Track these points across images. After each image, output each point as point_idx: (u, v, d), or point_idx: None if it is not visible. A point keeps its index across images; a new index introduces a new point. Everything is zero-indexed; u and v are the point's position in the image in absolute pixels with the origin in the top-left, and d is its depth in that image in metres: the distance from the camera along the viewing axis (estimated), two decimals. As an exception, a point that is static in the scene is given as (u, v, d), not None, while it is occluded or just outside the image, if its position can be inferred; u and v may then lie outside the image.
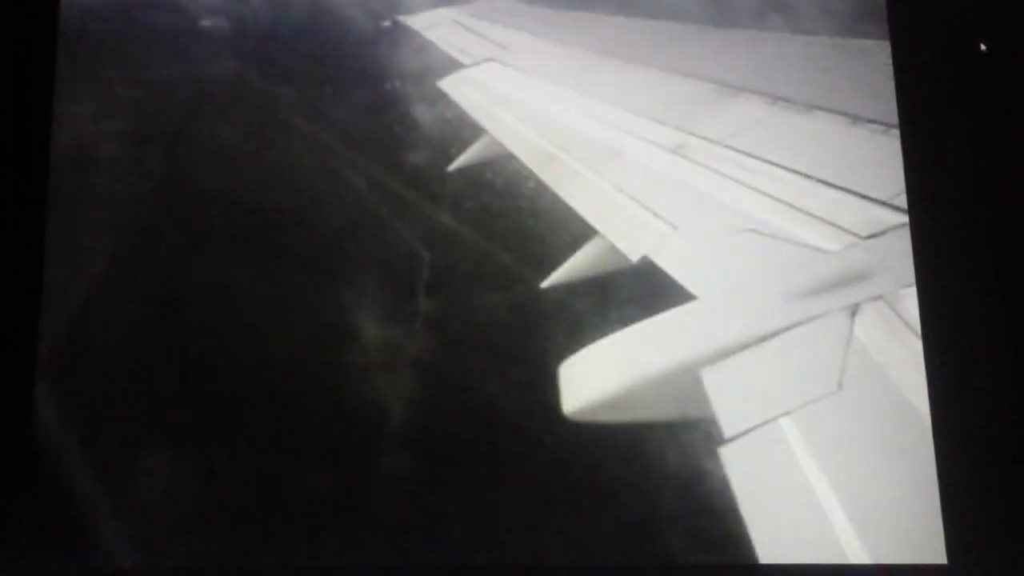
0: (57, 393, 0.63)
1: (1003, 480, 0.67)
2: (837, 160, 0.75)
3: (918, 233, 0.72)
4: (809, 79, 0.79)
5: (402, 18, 0.78)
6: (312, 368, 0.65)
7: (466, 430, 0.65)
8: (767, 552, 0.63)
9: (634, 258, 0.72)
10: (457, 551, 0.62)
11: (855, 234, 0.72)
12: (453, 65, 0.79)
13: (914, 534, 0.64)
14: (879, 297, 0.70)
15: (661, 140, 0.77)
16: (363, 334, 0.66)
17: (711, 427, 0.65)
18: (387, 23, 0.77)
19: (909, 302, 0.70)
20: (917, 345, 0.69)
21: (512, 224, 0.72)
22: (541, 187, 0.74)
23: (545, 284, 0.69)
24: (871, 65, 0.77)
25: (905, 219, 0.72)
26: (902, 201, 0.73)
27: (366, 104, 0.74)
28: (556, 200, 0.73)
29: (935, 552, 0.65)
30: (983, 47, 0.71)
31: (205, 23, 0.73)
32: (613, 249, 0.72)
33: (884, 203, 0.73)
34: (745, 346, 0.68)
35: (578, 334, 0.68)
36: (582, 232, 0.72)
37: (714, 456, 0.65)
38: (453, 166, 0.73)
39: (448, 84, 0.77)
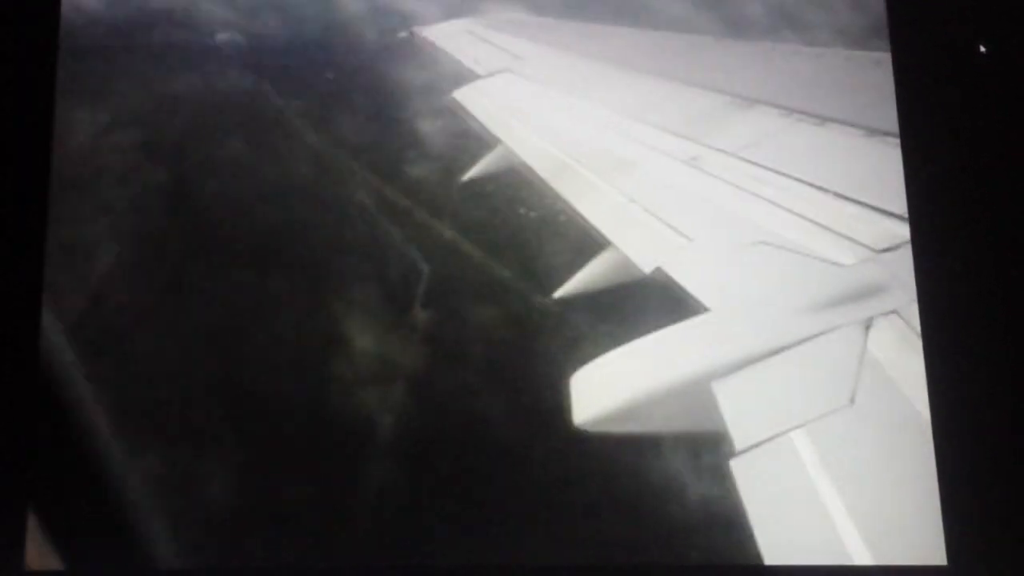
0: (57, 395, 0.64)
1: (1003, 481, 0.67)
2: (852, 173, 0.74)
3: (918, 235, 0.71)
4: (823, 91, 0.79)
5: (417, 29, 0.79)
6: (313, 380, 0.66)
7: (459, 444, 0.65)
8: (774, 560, 0.62)
9: (647, 269, 0.72)
10: (447, 563, 0.62)
11: (869, 247, 0.71)
12: (468, 76, 0.79)
13: (913, 535, 0.64)
14: (893, 311, 0.69)
15: (675, 152, 0.77)
16: (365, 346, 0.67)
17: (720, 440, 0.65)
18: (403, 34, 0.78)
19: (923, 316, 0.70)
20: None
21: (515, 237, 0.72)
22: (550, 199, 0.74)
23: (557, 294, 0.70)
24: (885, 77, 0.77)
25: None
26: (917, 214, 0.72)
27: (378, 115, 0.74)
28: (565, 213, 0.73)
29: (935, 552, 0.64)
30: (982, 49, 0.71)
31: (221, 36, 0.74)
32: (626, 260, 0.72)
33: (899, 216, 0.72)
34: (757, 359, 0.67)
35: (580, 348, 0.68)
36: (587, 245, 0.72)
37: (725, 470, 0.64)
38: (467, 176, 0.73)
39: (463, 95, 0.77)
